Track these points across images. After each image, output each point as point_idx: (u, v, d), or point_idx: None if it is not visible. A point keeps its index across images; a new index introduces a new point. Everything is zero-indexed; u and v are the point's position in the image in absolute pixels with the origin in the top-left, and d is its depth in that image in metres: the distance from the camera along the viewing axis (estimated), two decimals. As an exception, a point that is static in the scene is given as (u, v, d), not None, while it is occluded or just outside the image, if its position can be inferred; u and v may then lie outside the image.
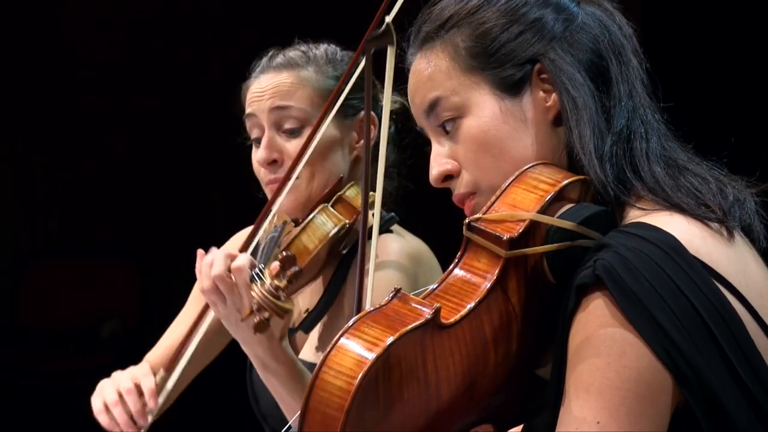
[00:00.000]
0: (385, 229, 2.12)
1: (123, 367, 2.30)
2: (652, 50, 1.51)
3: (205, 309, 2.13)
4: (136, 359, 2.36)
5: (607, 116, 1.42)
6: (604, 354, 1.27)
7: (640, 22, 1.52)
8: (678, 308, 1.27)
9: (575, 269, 1.32)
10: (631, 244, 1.30)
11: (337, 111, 2.07)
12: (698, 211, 1.36)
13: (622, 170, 1.40)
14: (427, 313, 1.30)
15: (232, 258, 1.95)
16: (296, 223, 2.12)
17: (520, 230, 1.35)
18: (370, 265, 1.52)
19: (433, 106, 1.48)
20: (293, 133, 2.11)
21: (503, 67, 1.45)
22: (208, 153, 5.45)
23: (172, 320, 5.94)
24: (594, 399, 1.27)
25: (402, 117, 2.23)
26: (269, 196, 2.15)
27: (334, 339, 1.28)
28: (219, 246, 2.09)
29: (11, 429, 5.40)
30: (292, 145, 2.10)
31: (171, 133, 5.46)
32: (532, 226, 1.35)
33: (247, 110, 2.17)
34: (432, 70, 1.48)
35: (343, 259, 2.12)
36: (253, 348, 1.97)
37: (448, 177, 1.49)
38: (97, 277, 5.51)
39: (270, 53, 2.20)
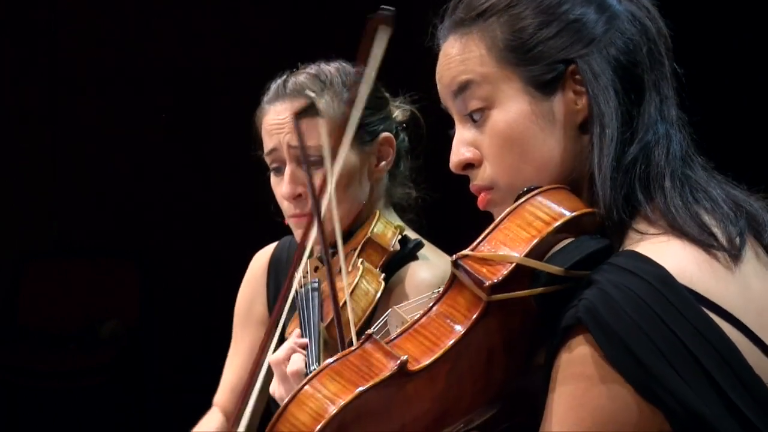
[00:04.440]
0: (411, 256, 2.11)
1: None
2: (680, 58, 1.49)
3: (262, 351, 2.10)
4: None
5: (632, 132, 1.39)
6: (578, 394, 1.27)
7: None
8: (662, 342, 1.25)
9: (563, 305, 1.31)
10: (617, 279, 1.28)
11: (356, 137, 2.03)
12: (701, 237, 1.33)
13: (633, 188, 1.37)
14: (392, 365, 1.28)
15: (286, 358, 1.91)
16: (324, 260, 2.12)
17: (503, 276, 1.31)
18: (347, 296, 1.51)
19: (462, 89, 1.44)
20: (315, 165, 2.06)
21: (538, 64, 1.41)
22: (208, 153, 5.45)
23: (172, 320, 5.95)
24: None
25: (413, 124, 2.23)
26: (293, 228, 2.15)
27: (295, 389, 1.29)
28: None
29: (11, 429, 5.40)
30: (316, 178, 2.06)
31: (172, 134, 5.46)
32: (519, 268, 1.32)
33: (269, 145, 2.14)
34: (467, 55, 1.44)
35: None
36: None
37: (469, 165, 1.46)
38: (97, 277, 5.51)
39: (283, 77, 2.17)
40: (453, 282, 1.35)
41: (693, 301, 1.28)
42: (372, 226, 2.09)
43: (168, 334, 5.43)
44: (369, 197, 2.15)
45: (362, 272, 2.00)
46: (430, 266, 2.09)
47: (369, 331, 1.33)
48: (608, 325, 1.26)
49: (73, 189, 5.48)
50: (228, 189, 5.34)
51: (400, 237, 2.09)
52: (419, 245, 2.11)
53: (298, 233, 2.16)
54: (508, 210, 1.36)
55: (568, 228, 1.35)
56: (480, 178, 1.45)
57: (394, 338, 1.34)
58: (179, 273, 5.45)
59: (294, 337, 1.95)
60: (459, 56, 1.45)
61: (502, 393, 1.38)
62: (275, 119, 2.13)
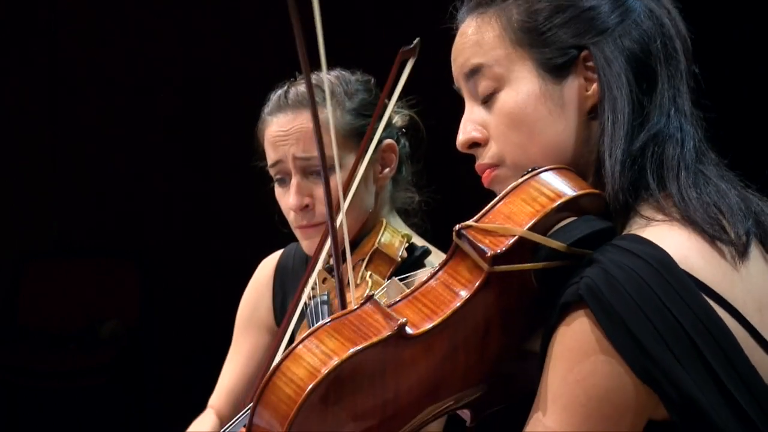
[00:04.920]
0: (419, 264, 2.10)
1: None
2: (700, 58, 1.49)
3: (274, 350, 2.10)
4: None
5: (642, 120, 1.40)
6: (575, 370, 1.28)
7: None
8: (661, 324, 1.26)
9: (563, 282, 1.31)
10: (619, 259, 1.29)
11: (360, 146, 2.07)
12: (710, 229, 1.34)
13: (644, 176, 1.38)
14: (390, 326, 1.28)
15: None
16: (331, 270, 2.11)
17: (506, 247, 1.32)
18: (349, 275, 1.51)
19: (474, 72, 1.46)
20: (320, 175, 2.08)
21: (551, 48, 1.42)
22: (208, 153, 5.45)
23: (172, 320, 5.94)
24: (559, 411, 1.28)
25: (412, 128, 2.24)
26: (300, 238, 2.15)
27: (294, 343, 1.28)
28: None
29: (11, 429, 5.41)
30: (321, 188, 2.08)
31: (172, 134, 5.46)
32: (521, 241, 1.32)
33: (273, 157, 2.14)
34: (480, 36, 1.46)
35: None
36: None
37: (475, 145, 1.47)
38: (97, 277, 5.51)
39: (284, 88, 2.16)
40: (455, 252, 1.36)
41: (693, 286, 1.29)
42: (379, 236, 2.09)
43: (168, 334, 5.43)
44: (374, 204, 2.15)
45: (371, 286, 2.00)
46: None
47: (369, 293, 1.33)
48: (609, 303, 1.26)
49: (73, 189, 5.48)
50: (228, 189, 5.34)
51: (407, 245, 2.09)
52: (426, 252, 2.11)
53: (305, 244, 2.16)
54: (512, 185, 1.37)
55: (571, 207, 1.36)
56: (486, 156, 1.46)
57: (394, 303, 1.34)
58: (179, 273, 5.45)
59: None
60: (473, 36, 1.47)
61: (494, 372, 1.38)
62: (279, 131, 2.12)
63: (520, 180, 1.37)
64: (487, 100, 1.45)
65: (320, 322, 1.29)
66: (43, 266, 5.54)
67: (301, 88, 2.13)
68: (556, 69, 1.43)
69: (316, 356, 1.26)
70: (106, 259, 5.55)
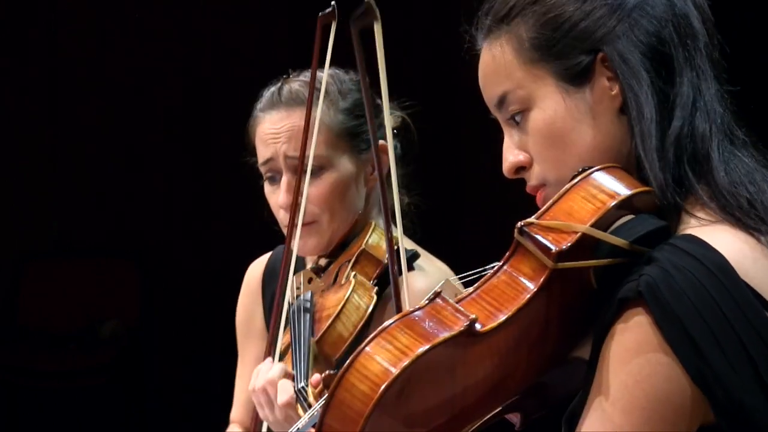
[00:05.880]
0: (408, 267, 2.09)
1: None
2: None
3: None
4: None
5: (669, 111, 1.38)
6: (634, 372, 1.27)
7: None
8: (717, 327, 1.26)
9: (620, 279, 1.31)
10: (679, 261, 1.28)
11: (352, 147, 2.08)
12: (750, 223, 1.34)
13: (683, 170, 1.37)
14: (462, 322, 1.28)
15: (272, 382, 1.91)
16: (318, 271, 2.10)
17: (570, 243, 1.31)
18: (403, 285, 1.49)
19: (501, 102, 1.45)
20: (312, 174, 2.06)
21: (566, 57, 1.41)
22: (208, 153, 5.45)
23: (172, 320, 5.94)
24: (619, 414, 1.27)
25: (404, 130, 2.23)
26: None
27: (366, 339, 1.27)
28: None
29: (11, 429, 5.41)
30: (313, 188, 2.07)
31: (171, 134, 5.46)
32: (583, 239, 1.32)
33: (264, 155, 2.12)
34: (497, 64, 1.45)
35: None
36: None
37: (521, 168, 1.46)
38: (97, 277, 5.51)
39: (278, 85, 2.14)
40: (516, 249, 1.35)
41: (748, 293, 1.29)
42: (367, 238, 2.08)
43: (168, 334, 5.43)
44: (364, 208, 2.14)
45: (354, 286, 1.99)
46: (426, 276, 2.07)
47: (437, 289, 1.32)
48: (668, 304, 1.26)
49: (73, 189, 5.48)
50: (228, 189, 5.33)
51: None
52: (414, 256, 2.10)
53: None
54: (570, 184, 1.36)
55: (627, 205, 1.36)
56: (532, 177, 1.46)
57: (459, 301, 1.33)
58: (179, 273, 5.45)
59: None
60: (492, 65, 1.46)
61: (547, 372, 1.39)
62: (271, 128, 2.11)
63: (577, 179, 1.37)
64: (519, 120, 1.45)
65: (388, 321, 1.29)
66: (43, 266, 5.54)
67: (294, 85, 2.12)
68: (575, 77, 1.41)
69: (390, 352, 1.25)
70: (106, 259, 5.55)
